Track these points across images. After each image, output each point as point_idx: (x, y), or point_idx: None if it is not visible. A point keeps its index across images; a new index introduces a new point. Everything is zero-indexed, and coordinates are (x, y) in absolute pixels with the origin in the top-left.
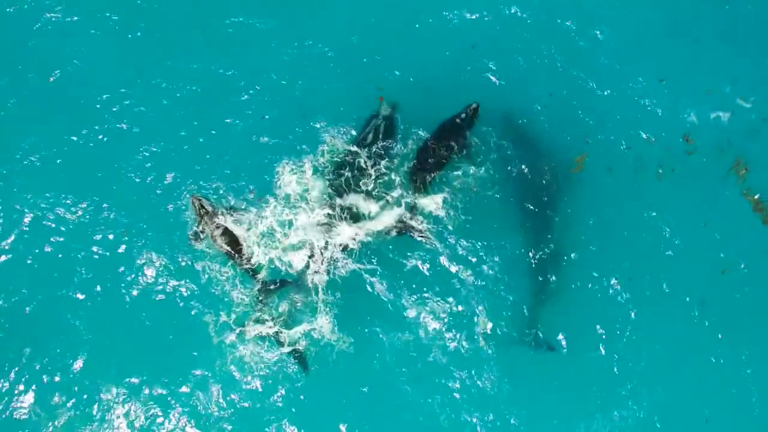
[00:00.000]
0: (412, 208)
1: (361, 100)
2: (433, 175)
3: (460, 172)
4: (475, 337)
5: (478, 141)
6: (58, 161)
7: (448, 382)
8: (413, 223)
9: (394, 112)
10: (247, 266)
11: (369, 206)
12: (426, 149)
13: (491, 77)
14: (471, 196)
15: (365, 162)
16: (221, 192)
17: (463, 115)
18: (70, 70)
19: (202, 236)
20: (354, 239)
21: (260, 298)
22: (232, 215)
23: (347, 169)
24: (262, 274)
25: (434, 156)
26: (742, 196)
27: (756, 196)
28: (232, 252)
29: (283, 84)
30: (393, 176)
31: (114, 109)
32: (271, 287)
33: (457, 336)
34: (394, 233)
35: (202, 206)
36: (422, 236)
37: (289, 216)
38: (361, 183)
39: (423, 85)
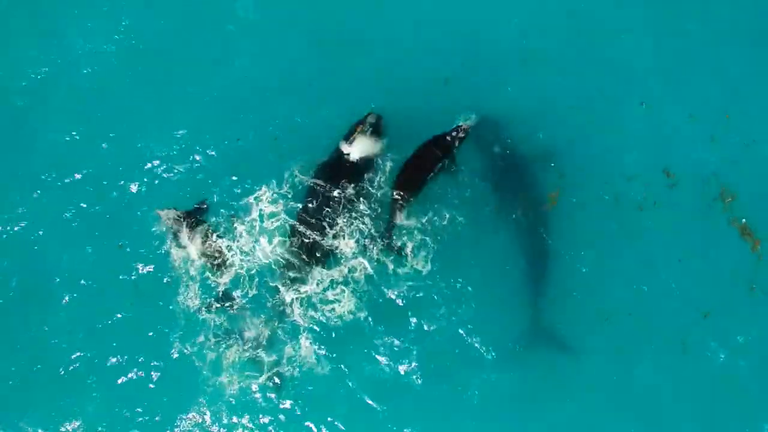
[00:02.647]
0: (389, 230)
1: (336, 120)
2: (412, 194)
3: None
4: (453, 367)
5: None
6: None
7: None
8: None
9: (379, 122)
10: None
11: (342, 243)
12: (408, 167)
13: (466, 107)
14: (447, 231)
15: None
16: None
17: (453, 134)
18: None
19: (179, 243)
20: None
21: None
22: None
23: (317, 199)
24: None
25: (417, 174)
26: (730, 224)
27: (743, 221)
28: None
29: (257, 106)
30: (368, 203)
31: (96, 128)
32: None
33: (434, 365)
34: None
35: (169, 216)
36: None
37: (250, 243)
38: (332, 214)
39: (401, 109)
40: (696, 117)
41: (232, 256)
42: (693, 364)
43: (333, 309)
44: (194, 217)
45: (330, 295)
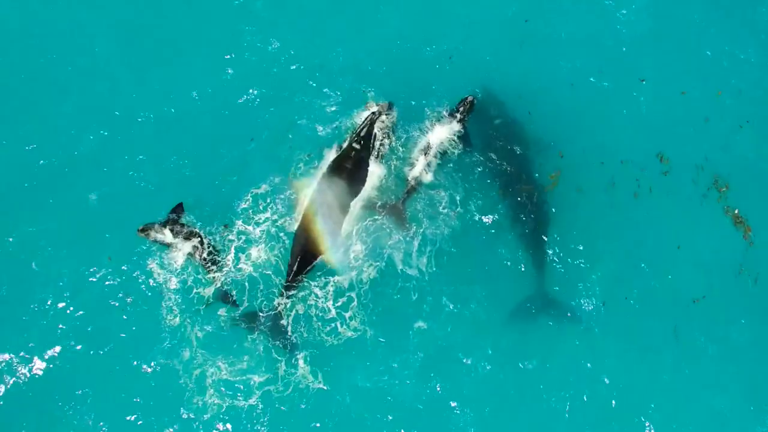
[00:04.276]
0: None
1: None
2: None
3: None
4: (447, 373)
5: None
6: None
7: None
8: (401, 207)
9: (390, 109)
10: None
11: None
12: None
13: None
14: (448, 217)
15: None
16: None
17: (461, 108)
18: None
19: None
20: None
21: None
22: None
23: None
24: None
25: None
26: (723, 212)
27: (735, 211)
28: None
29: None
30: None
31: (99, 132)
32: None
33: (429, 371)
34: (380, 210)
35: (149, 234)
36: (402, 223)
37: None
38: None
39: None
40: (690, 96)
41: (220, 266)
42: (687, 356)
43: (333, 323)
44: (179, 225)
45: (331, 306)
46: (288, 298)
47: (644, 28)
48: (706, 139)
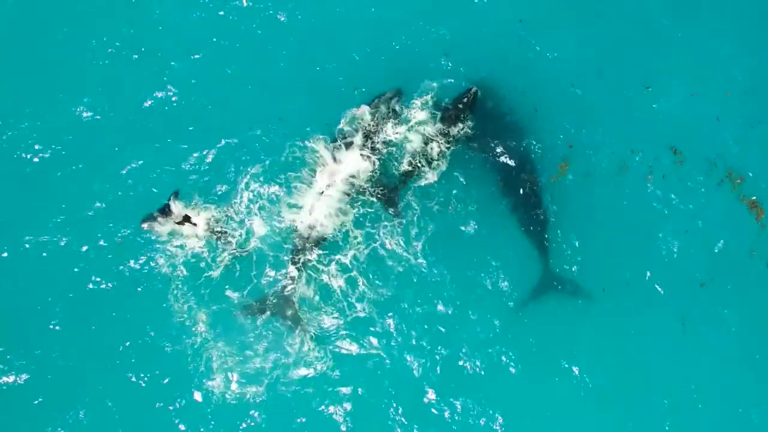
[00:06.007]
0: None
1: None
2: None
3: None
4: (454, 360)
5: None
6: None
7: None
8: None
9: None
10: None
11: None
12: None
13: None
14: (451, 206)
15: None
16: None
17: (465, 100)
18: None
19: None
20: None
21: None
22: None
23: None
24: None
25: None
26: (739, 200)
27: (753, 198)
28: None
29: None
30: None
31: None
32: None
33: (434, 357)
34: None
35: (152, 225)
36: (393, 211)
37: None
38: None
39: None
40: (700, 96)
41: (227, 240)
42: (690, 343)
43: (337, 306)
44: (179, 212)
45: (337, 286)
46: (295, 264)
47: (651, 24)
48: (718, 136)
